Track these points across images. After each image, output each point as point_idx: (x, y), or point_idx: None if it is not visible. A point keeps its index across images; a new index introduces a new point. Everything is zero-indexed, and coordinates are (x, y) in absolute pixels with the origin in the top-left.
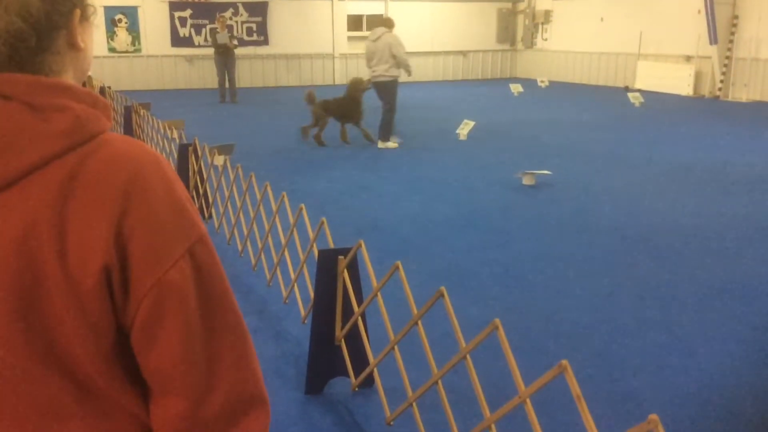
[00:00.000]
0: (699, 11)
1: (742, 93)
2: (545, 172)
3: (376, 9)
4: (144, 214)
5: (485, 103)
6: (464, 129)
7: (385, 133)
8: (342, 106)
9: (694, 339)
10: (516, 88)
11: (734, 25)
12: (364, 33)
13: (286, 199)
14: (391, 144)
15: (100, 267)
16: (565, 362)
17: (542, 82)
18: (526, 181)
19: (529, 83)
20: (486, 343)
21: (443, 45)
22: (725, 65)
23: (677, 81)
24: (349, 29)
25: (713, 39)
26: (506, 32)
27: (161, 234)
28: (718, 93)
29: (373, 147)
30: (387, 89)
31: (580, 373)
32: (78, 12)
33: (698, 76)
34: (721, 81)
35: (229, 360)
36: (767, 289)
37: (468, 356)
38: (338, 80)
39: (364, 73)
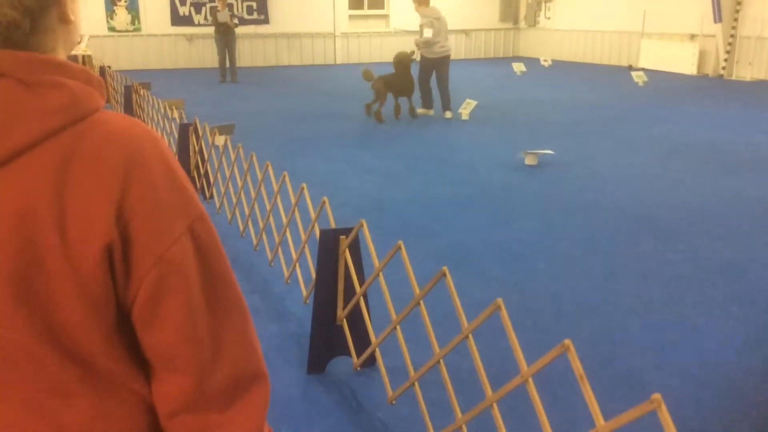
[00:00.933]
0: None
1: (746, 72)
2: (548, 151)
3: None
4: (144, 191)
5: (488, 82)
6: (466, 108)
7: (448, 102)
8: (400, 81)
9: (696, 318)
10: (519, 68)
11: (739, 3)
12: (366, 12)
13: (287, 179)
14: (449, 114)
15: (101, 245)
16: (568, 341)
17: (545, 61)
18: (529, 160)
19: (532, 62)
20: (488, 322)
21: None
22: (729, 44)
23: (681, 60)
24: (351, 8)
25: (717, 17)
26: (509, 11)
27: (162, 211)
28: (722, 72)
29: (377, 124)
30: (448, 63)
31: (582, 352)
32: None
33: (702, 55)
34: (726, 60)
35: (231, 336)
36: None
37: (470, 336)
38: (339, 60)
39: (366, 52)
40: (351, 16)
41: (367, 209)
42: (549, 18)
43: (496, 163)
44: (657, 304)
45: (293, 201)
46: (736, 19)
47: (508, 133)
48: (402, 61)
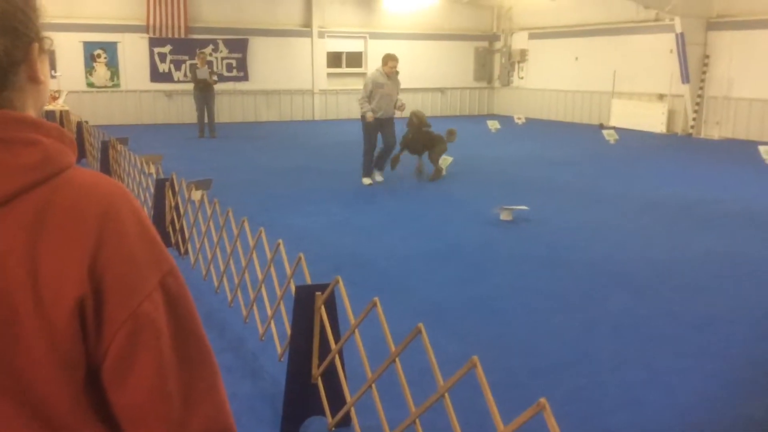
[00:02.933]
0: (671, 51)
1: (714, 131)
2: (522, 207)
3: (355, 47)
4: (117, 246)
5: (463, 139)
6: (443, 164)
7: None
8: (415, 140)
9: (672, 375)
10: (493, 125)
11: (705, 65)
12: (344, 70)
13: (263, 235)
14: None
15: (74, 300)
16: (543, 401)
17: (519, 119)
18: (504, 216)
19: (506, 120)
20: (464, 379)
21: (422, 82)
22: (697, 103)
23: (651, 119)
24: (329, 66)
25: (685, 78)
26: (483, 70)
27: (134, 266)
28: (690, 130)
29: (354, 180)
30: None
31: (558, 410)
32: (36, 45)
33: (671, 114)
34: (694, 119)
35: (202, 392)
36: (743, 325)
37: (446, 394)
38: (317, 116)
39: (344, 109)
40: (329, 74)
41: (344, 265)
42: (522, 78)
43: (471, 219)
44: (632, 361)
45: (269, 257)
46: (703, 80)
47: (483, 189)
48: (421, 120)
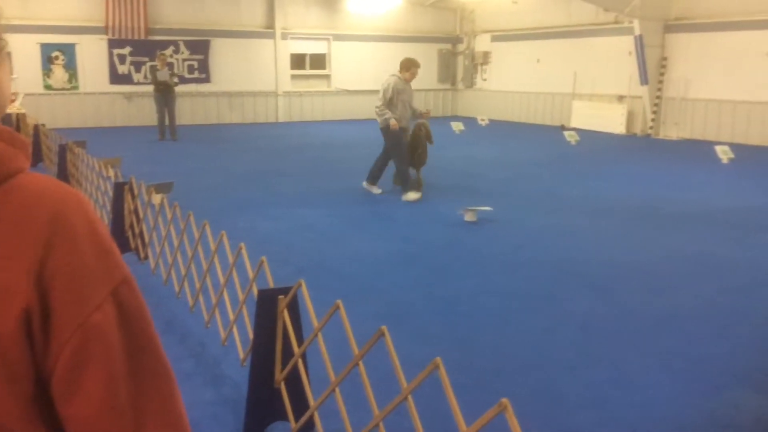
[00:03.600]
0: (630, 53)
1: (672, 131)
2: (486, 208)
3: (319, 48)
4: (67, 255)
5: None
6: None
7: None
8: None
9: (634, 373)
10: (457, 126)
11: (663, 66)
12: (308, 71)
13: (225, 239)
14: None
15: (20, 310)
16: (505, 401)
17: (482, 120)
18: (468, 217)
19: (470, 121)
20: (429, 381)
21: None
22: (656, 104)
23: (610, 120)
24: (293, 68)
25: (644, 79)
26: (447, 72)
27: (84, 276)
28: (649, 131)
29: (320, 182)
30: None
31: (521, 410)
32: None
33: (630, 115)
34: (652, 120)
35: (156, 405)
36: (703, 322)
37: (409, 396)
38: (281, 118)
39: (308, 111)
40: (293, 76)
41: (308, 268)
42: (485, 80)
43: (436, 220)
44: (595, 360)
45: (231, 261)
46: (661, 81)
47: (447, 190)
48: (419, 132)
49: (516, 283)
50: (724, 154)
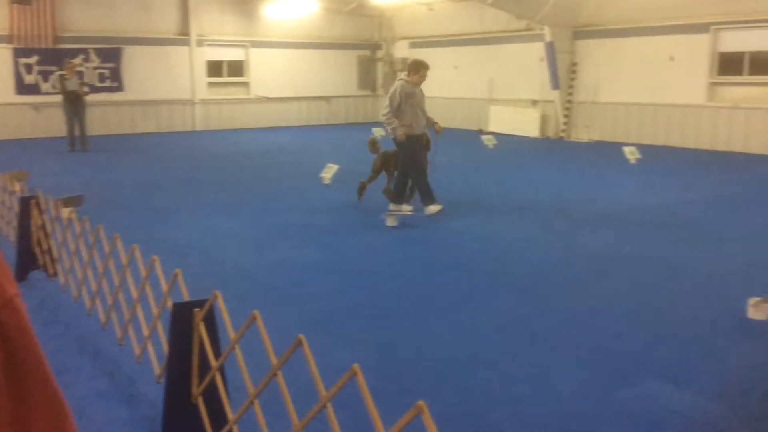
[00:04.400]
0: (541, 59)
1: (583, 134)
2: (408, 213)
3: (236, 55)
4: None
5: (349, 147)
6: (328, 173)
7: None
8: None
9: (550, 369)
10: (378, 132)
11: (574, 72)
12: (226, 79)
13: (137, 252)
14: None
15: None
16: (421, 404)
17: None
18: (390, 222)
19: None
20: (351, 388)
21: (306, 91)
22: (567, 108)
23: (526, 124)
24: (209, 75)
25: (555, 84)
26: (367, 78)
27: None
28: (562, 134)
29: (241, 190)
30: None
31: (442, 411)
32: None
33: (544, 119)
34: (565, 123)
35: (43, 426)
36: (615, 317)
37: (329, 404)
38: (199, 126)
39: (227, 119)
40: (210, 83)
41: (229, 278)
42: None
43: (358, 226)
44: (513, 358)
45: (144, 274)
46: (571, 86)
47: (369, 196)
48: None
49: (437, 286)
50: (631, 154)
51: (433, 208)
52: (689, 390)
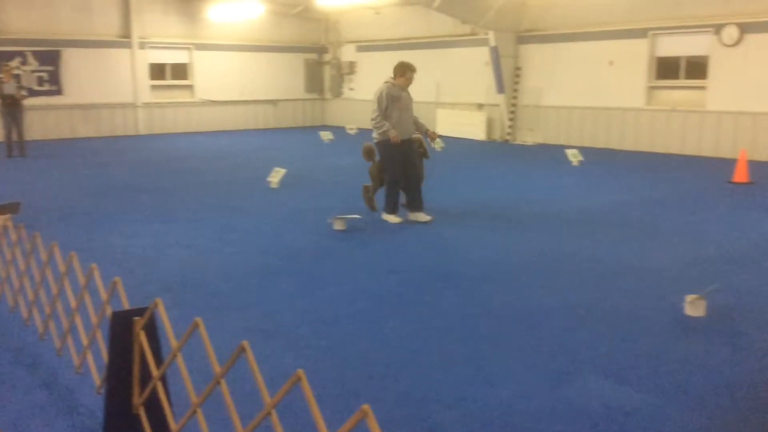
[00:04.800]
0: (487, 63)
1: (528, 137)
2: (356, 216)
3: (180, 58)
4: None
5: (297, 150)
6: (276, 177)
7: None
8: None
9: (494, 369)
10: (326, 136)
11: (518, 76)
12: (169, 82)
13: (75, 260)
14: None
15: None
16: (366, 407)
17: (351, 129)
18: (338, 226)
19: (339, 131)
20: (296, 393)
21: (252, 94)
22: (512, 112)
23: (472, 127)
24: (152, 78)
25: (500, 88)
26: (314, 82)
27: None
28: (507, 137)
29: (183, 197)
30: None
31: (388, 414)
32: None
33: (490, 122)
34: (510, 126)
35: None
36: (558, 316)
37: (273, 411)
38: (142, 130)
39: (171, 122)
40: (153, 86)
41: (173, 285)
42: (353, 89)
43: (306, 230)
44: (458, 358)
45: (82, 283)
46: (516, 90)
47: (316, 199)
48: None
49: (386, 288)
50: (574, 157)
51: (391, 218)
52: (627, 385)
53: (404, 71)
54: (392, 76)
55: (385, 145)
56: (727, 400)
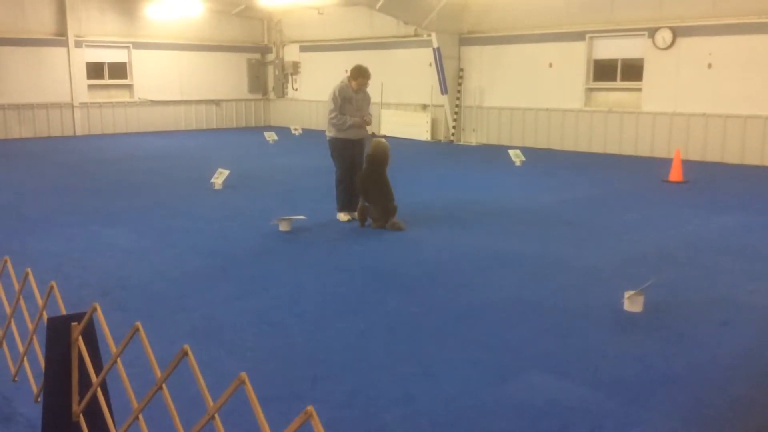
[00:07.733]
0: (430, 64)
1: (471, 137)
2: (301, 217)
3: (118, 57)
4: None
5: (240, 151)
6: (219, 178)
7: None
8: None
9: (439, 366)
10: (271, 136)
11: (461, 77)
12: (107, 81)
13: (9, 264)
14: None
15: None
16: (310, 408)
17: (296, 130)
18: (283, 227)
19: (283, 131)
20: (240, 396)
21: (194, 94)
22: (456, 113)
23: (417, 127)
24: (90, 77)
25: (444, 89)
26: (258, 82)
27: None
28: (452, 138)
29: (118, 199)
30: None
31: (334, 414)
32: None
33: (434, 123)
34: (454, 127)
35: None
36: (500, 313)
37: (216, 415)
38: (79, 131)
39: (109, 123)
40: (90, 86)
41: (112, 289)
42: (297, 90)
43: (250, 232)
44: (404, 357)
45: (17, 288)
46: (459, 91)
47: (261, 200)
48: (375, 155)
49: (331, 289)
50: (516, 157)
51: (341, 216)
52: (569, 380)
53: (356, 76)
54: (348, 76)
55: (336, 142)
56: (664, 393)
